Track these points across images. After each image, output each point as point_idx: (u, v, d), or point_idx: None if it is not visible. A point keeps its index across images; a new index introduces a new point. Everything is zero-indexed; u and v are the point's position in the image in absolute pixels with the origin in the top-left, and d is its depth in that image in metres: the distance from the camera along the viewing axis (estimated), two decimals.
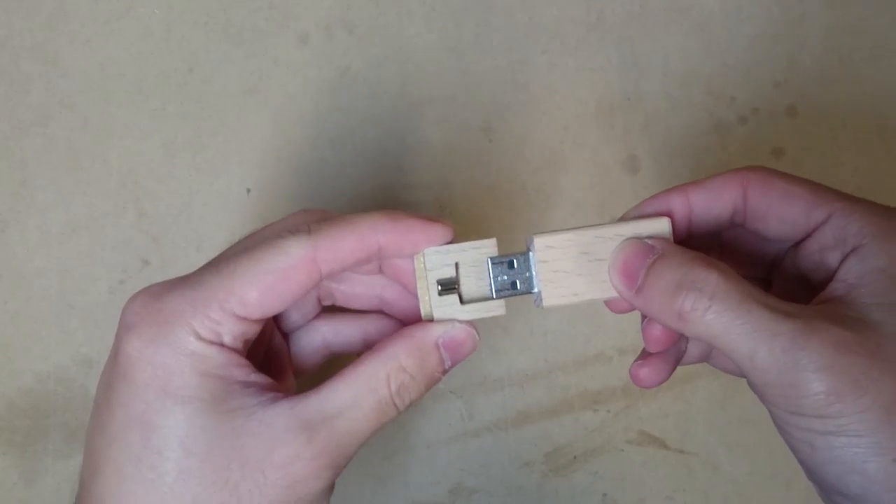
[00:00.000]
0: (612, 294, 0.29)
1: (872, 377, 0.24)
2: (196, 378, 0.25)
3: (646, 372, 0.31)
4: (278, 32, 0.43)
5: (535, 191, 0.43)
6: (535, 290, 0.29)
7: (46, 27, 0.43)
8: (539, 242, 0.29)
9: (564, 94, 0.43)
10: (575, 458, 0.42)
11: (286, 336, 0.33)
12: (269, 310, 0.26)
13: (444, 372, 0.29)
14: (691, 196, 0.30)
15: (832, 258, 0.28)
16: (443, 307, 0.29)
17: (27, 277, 0.42)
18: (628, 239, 0.29)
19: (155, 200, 0.42)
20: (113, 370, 0.25)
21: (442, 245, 0.29)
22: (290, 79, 0.43)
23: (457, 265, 0.29)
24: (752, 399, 0.43)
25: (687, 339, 0.32)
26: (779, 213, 0.29)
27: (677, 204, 0.30)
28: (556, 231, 0.29)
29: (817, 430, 0.25)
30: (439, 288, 0.29)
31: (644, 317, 0.31)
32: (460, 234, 0.42)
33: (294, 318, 0.33)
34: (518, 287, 0.29)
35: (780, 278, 0.32)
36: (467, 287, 0.29)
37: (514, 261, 0.29)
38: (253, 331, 0.26)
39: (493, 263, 0.29)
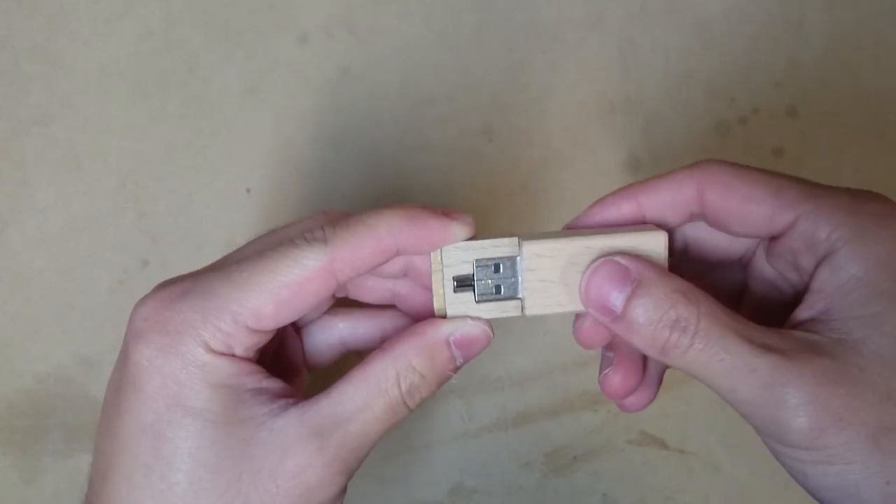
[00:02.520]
0: None
1: (854, 408, 0.24)
2: (206, 390, 0.24)
3: (630, 401, 0.30)
4: (278, 32, 0.43)
5: (535, 191, 0.43)
6: (520, 296, 0.28)
7: (46, 27, 0.42)
8: (528, 250, 0.28)
9: (564, 94, 0.43)
10: (575, 458, 0.42)
11: (298, 330, 0.32)
12: (284, 321, 0.26)
13: (456, 370, 0.28)
14: (641, 200, 0.28)
15: (805, 261, 0.27)
16: (457, 304, 0.28)
17: (27, 277, 0.42)
18: (602, 259, 0.27)
19: (155, 200, 0.42)
20: (122, 376, 0.25)
21: (461, 242, 0.28)
22: (290, 79, 0.43)
23: (475, 262, 0.28)
24: None
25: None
26: (740, 219, 0.27)
27: (626, 210, 0.28)
28: (545, 237, 0.28)
29: (806, 460, 0.25)
30: (455, 284, 0.28)
31: (604, 367, 0.30)
32: None
33: (307, 313, 0.32)
34: (502, 292, 0.28)
35: (753, 272, 0.30)
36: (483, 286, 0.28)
37: (501, 265, 0.28)
38: (265, 339, 0.26)
39: (478, 266, 0.28)
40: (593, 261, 0.27)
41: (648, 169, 0.43)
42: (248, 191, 0.42)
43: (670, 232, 0.29)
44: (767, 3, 0.43)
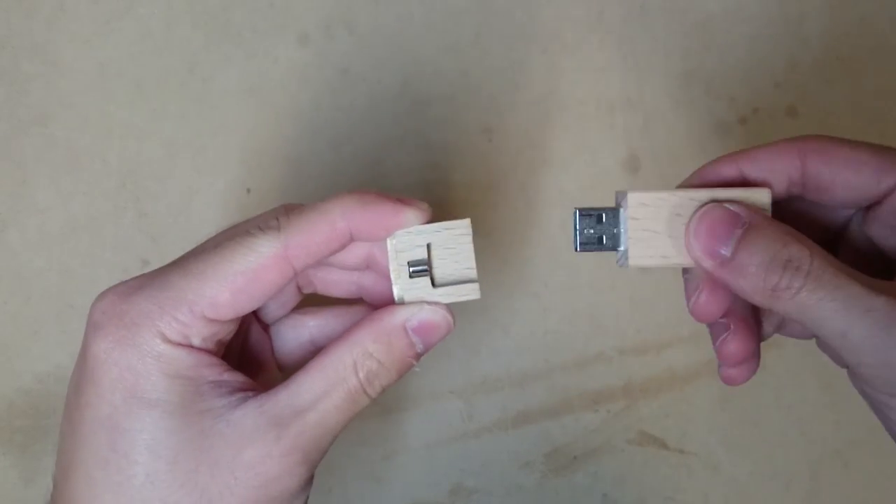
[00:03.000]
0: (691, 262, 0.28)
1: None
2: (164, 380, 0.24)
3: (736, 372, 0.30)
4: (278, 32, 0.43)
5: (535, 191, 0.43)
6: (622, 247, 0.28)
7: (46, 27, 0.42)
8: (633, 199, 0.28)
9: (564, 94, 0.43)
10: (575, 458, 0.42)
11: (266, 328, 0.32)
12: (242, 310, 0.25)
13: (418, 356, 0.27)
14: (743, 167, 0.28)
15: None
16: (414, 290, 0.28)
17: (27, 277, 0.42)
18: (710, 204, 0.27)
19: (155, 200, 0.42)
20: (81, 371, 0.25)
21: (413, 226, 0.27)
22: (290, 79, 0.43)
23: (429, 246, 0.28)
24: (753, 399, 0.43)
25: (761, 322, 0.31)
26: (845, 183, 0.27)
27: (728, 175, 0.28)
28: (649, 189, 0.28)
29: None
30: (410, 270, 0.27)
31: (719, 333, 0.29)
32: None
33: (273, 308, 0.32)
34: (604, 242, 0.28)
35: (847, 247, 0.30)
36: (441, 269, 0.28)
37: (603, 215, 0.28)
38: (226, 330, 0.26)
39: (580, 215, 0.28)
40: (700, 207, 0.27)
41: (648, 169, 0.43)
42: (248, 191, 0.42)
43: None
44: (767, 3, 0.43)
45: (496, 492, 0.42)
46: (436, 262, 0.28)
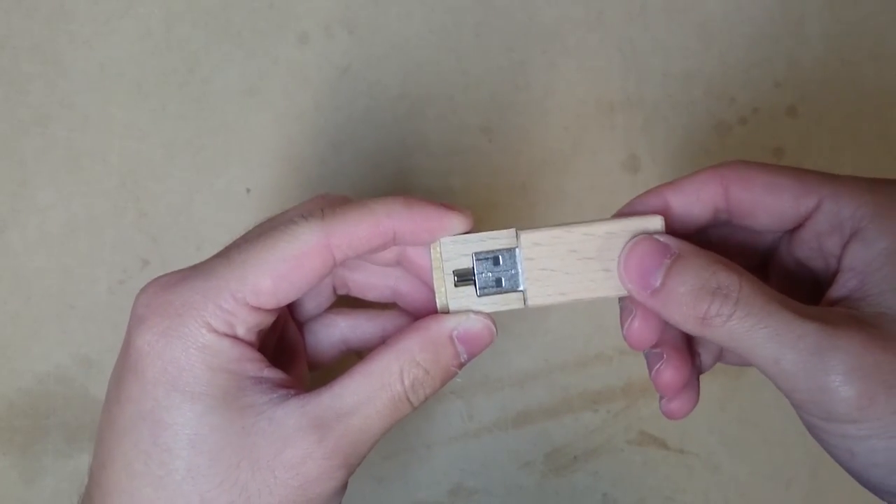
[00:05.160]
0: (602, 294, 0.28)
1: None
2: (207, 373, 0.24)
3: (676, 405, 0.30)
4: (278, 32, 0.43)
5: (535, 191, 0.43)
6: (521, 287, 0.28)
7: (46, 27, 0.43)
8: (525, 239, 0.28)
9: (564, 94, 0.43)
10: (575, 458, 0.42)
11: (300, 326, 0.32)
12: (284, 298, 0.25)
13: (461, 366, 0.27)
14: (668, 199, 0.29)
15: (831, 244, 0.27)
16: (458, 299, 0.28)
17: (27, 277, 0.42)
18: (639, 236, 0.27)
19: (155, 200, 0.42)
20: (124, 364, 0.25)
21: (459, 234, 0.28)
22: (290, 79, 0.43)
23: (474, 256, 0.28)
24: (752, 399, 0.43)
25: (699, 353, 0.31)
26: (765, 208, 0.28)
27: (656, 205, 0.29)
28: (543, 227, 0.28)
29: (854, 435, 0.24)
30: (455, 279, 0.28)
31: (654, 362, 0.30)
32: None
33: (308, 307, 0.32)
34: (503, 285, 0.28)
35: (776, 268, 0.31)
36: (485, 278, 0.28)
37: (500, 257, 0.28)
38: (267, 321, 0.26)
39: (476, 259, 0.28)
40: (628, 239, 0.27)
41: (648, 169, 0.43)
42: (248, 191, 0.43)
43: (697, 233, 0.29)
44: (767, 3, 0.43)
45: (496, 492, 0.42)
46: (479, 271, 0.28)
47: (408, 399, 0.26)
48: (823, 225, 0.27)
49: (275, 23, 0.43)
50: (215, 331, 0.24)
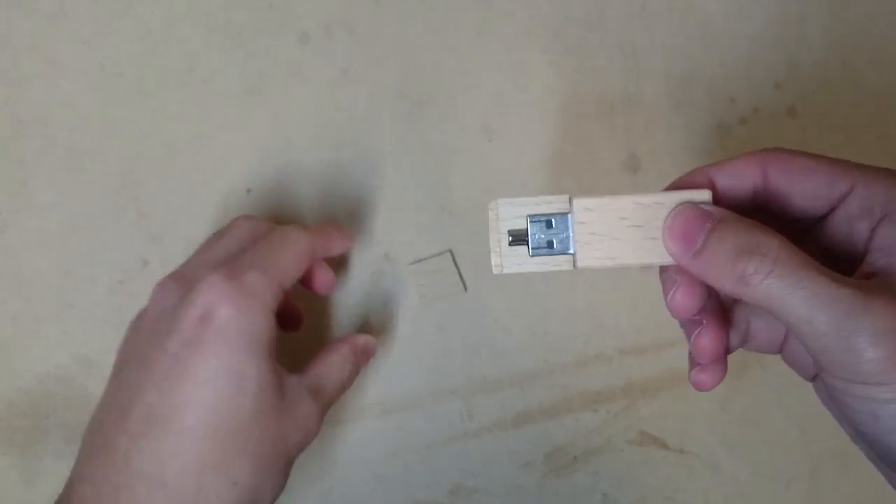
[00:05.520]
0: (647, 261, 0.29)
1: None
2: (269, 342, 0.32)
3: (705, 377, 0.32)
4: (278, 32, 0.43)
5: (535, 191, 0.43)
6: (571, 251, 0.30)
7: (46, 27, 0.42)
8: (578, 204, 0.29)
9: (564, 94, 0.43)
10: (575, 458, 0.42)
11: None
12: (293, 283, 0.35)
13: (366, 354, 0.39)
14: (713, 176, 0.30)
15: (861, 228, 0.29)
16: (512, 257, 0.30)
17: (27, 277, 0.42)
18: (684, 203, 0.29)
19: (155, 200, 0.42)
20: (203, 329, 0.31)
21: (515, 198, 0.30)
22: (290, 79, 0.43)
23: (528, 218, 0.30)
24: (752, 399, 0.43)
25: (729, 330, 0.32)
26: (801, 189, 0.29)
27: (701, 183, 0.30)
28: (595, 195, 0.30)
29: (879, 398, 0.25)
30: (510, 238, 0.30)
31: (693, 329, 0.31)
32: (461, 235, 0.42)
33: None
34: (555, 247, 0.30)
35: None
36: (537, 239, 0.30)
37: (553, 220, 0.30)
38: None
39: (531, 221, 0.30)
40: (673, 208, 0.29)
41: (648, 169, 0.43)
42: (248, 191, 0.42)
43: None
44: (767, 3, 0.43)
45: (496, 492, 0.42)
46: (533, 233, 0.30)
47: (348, 383, 0.37)
48: (854, 209, 0.29)
49: (275, 23, 0.43)
50: (271, 308, 0.32)
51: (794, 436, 0.43)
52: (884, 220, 0.28)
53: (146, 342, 0.33)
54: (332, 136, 0.43)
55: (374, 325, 0.43)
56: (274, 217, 0.42)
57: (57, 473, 0.41)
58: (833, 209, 0.29)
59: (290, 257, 0.34)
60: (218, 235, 0.36)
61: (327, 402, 0.36)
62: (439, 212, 0.43)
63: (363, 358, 0.38)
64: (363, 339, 0.38)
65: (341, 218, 0.43)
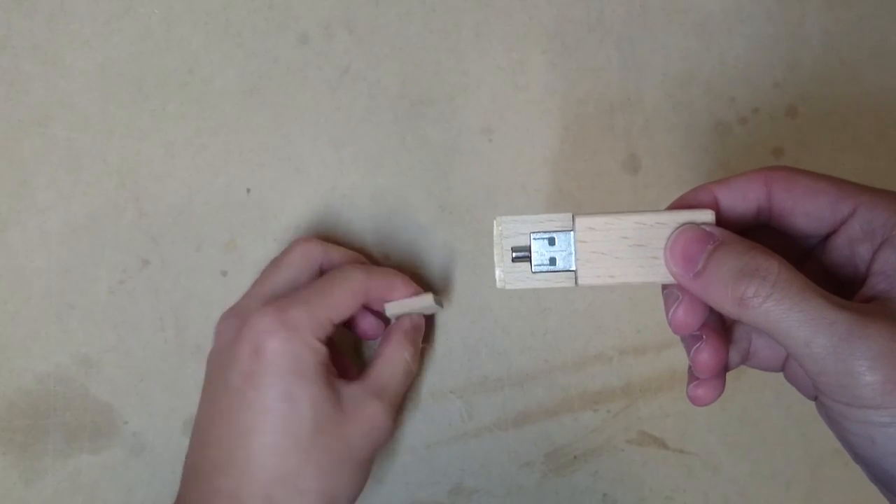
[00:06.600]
0: (648, 280, 0.30)
1: None
2: (315, 366, 0.35)
3: (702, 392, 0.32)
4: (278, 32, 0.43)
5: (535, 191, 0.43)
6: (573, 268, 0.30)
7: (46, 27, 0.43)
8: (581, 223, 0.30)
9: (564, 94, 0.43)
10: (575, 458, 0.42)
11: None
12: (345, 318, 0.37)
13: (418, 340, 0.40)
14: (717, 194, 0.30)
15: (863, 251, 0.29)
16: (514, 273, 0.31)
17: (27, 277, 0.42)
18: (686, 224, 0.29)
19: (155, 200, 0.42)
20: (256, 362, 0.35)
21: (518, 215, 0.31)
22: (290, 79, 0.43)
23: (531, 235, 0.30)
24: (752, 399, 0.43)
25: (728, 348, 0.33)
26: (804, 209, 0.29)
27: (705, 200, 0.30)
28: (597, 213, 0.30)
29: (876, 422, 0.25)
30: (513, 255, 0.31)
31: (693, 343, 0.31)
32: (461, 236, 0.42)
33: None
34: (557, 264, 0.30)
35: (807, 276, 0.32)
36: (539, 257, 0.30)
37: (555, 238, 0.30)
38: (334, 332, 0.37)
39: (534, 238, 0.30)
40: (675, 228, 0.29)
41: (648, 169, 0.43)
42: (248, 191, 0.42)
43: (740, 233, 0.30)
44: (767, 3, 0.43)
45: (496, 492, 0.42)
46: (535, 250, 0.30)
47: (411, 368, 0.39)
48: (857, 231, 0.29)
49: (275, 23, 0.43)
50: (318, 339, 0.35)
51: (794, 436, 0.43)
52: (885, 244, 0.28)
53: (215, 377, 0.37)
54: (332, 136, 0.43)
55: None
56: (274, 218, 0.42)
57: (57, 473, 0.41)
58: (835, 230, 0.29)
59: (342, 293, 0.37)
60: (275, 263, 0.38)
61: (394, 397, 0.37)
62: (439, 212, 0.43)
63: (415, 336, 0.39)
64: (407, 321, 0.39)
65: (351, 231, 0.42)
